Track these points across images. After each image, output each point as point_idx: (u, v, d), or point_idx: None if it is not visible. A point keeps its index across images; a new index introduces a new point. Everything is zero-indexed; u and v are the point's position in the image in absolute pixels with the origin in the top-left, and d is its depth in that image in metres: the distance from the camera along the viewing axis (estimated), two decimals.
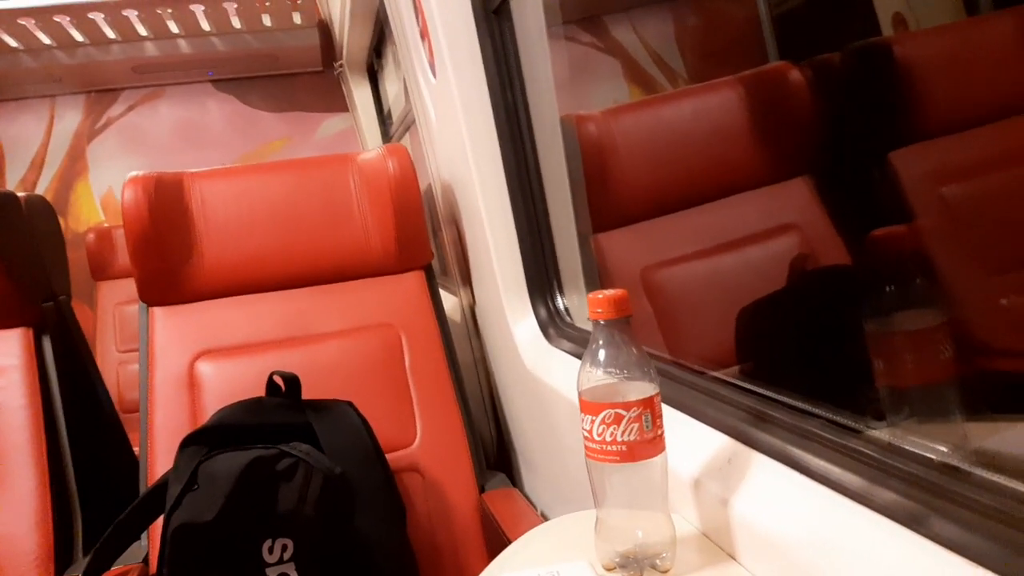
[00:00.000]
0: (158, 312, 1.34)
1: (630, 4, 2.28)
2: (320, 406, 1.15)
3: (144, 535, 1.21)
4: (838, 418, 0.62)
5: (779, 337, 1.07)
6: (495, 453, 1.53)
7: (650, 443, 0.62)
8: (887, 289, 0.72)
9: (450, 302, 1.65)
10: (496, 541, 1.12)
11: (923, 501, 0.49)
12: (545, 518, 1.19)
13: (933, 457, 0.51)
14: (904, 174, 0.92)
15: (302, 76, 3.22)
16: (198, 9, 2.71)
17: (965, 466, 0.48)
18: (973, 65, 0.88)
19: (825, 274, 1.13)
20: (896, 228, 0.80)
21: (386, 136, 3.05)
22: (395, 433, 1.27)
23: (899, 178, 0.92)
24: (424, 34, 1.35)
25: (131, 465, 1.61)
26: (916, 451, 0.52)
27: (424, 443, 1.28)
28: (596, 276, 1.31)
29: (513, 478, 1.40)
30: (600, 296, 0.62)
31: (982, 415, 0.63)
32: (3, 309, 1.31)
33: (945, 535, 0.46)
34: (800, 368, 0.88)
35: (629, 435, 0.61)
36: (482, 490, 1.28)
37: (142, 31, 2.82)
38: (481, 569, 0.72)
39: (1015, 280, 0.80)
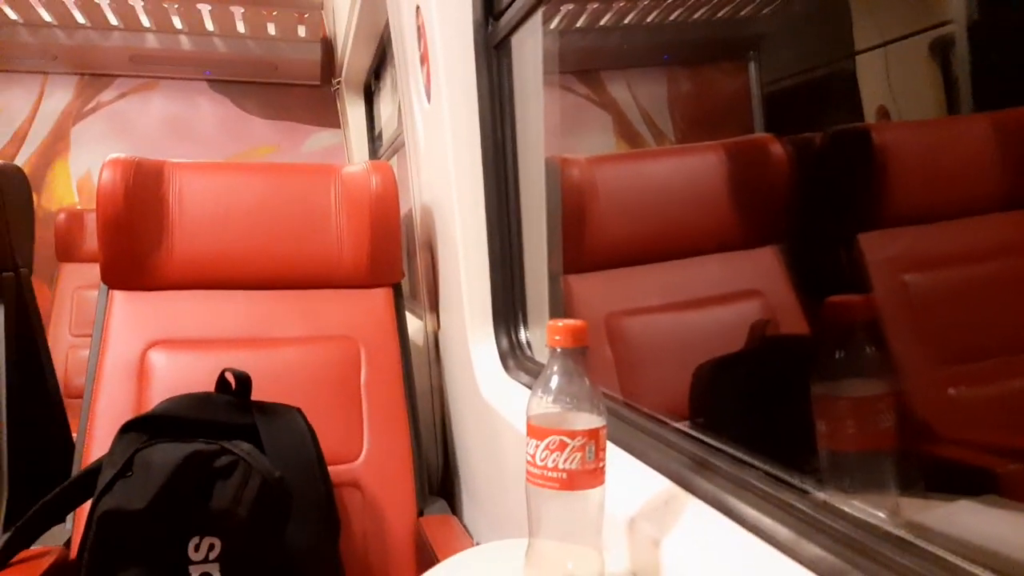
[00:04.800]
0: (118, 296, 1.33)
1: (628, 64, 2.35)
2: (268, 409, 1.14)
3: (69, 519, 1.18)
4: (775, 471, 0.63)
5: (731, 396, 1.09)
6: (439, 480, 1.52)
7: (590, 474, 0.62)
8: (837, 355, 0.74)
9: (414, 325, 1.65)
10: (429, 566, 1.10)
11: (847, 558, 0.50)
12: None
13: (861, 516, 0.52)
14: (871, 256, 0.95)
15: (298, 87, 3.24)
16: (204, 8, 2.73)
17: (890, 528, 0.50)
18: (949, 161, 0.91)
19: (781, 340, 1.15)
20: (853, 297, 0.82)
21: (374, 156, 3.07)
22: (340, 446, 1.26)
23: (865, 259, 0.95)
24: (424, 59, 1.38)
25: (68, 450, 1.57)
26: (846, 509, 0.53)
27: (368, 460, 1.27)
28: (562, 315, 1.32)
29: (454, 506, 1.39)
30: (560, 324, 0.63)
31: (915, 491, 0.65)
32: None
33: None
34: (746, 428, 0.89)
35: (571, 464, 0.62)
36: (420, 514, 1.27)
37: (145, 21, 2.83)
38: None
39: (964, 372, 0.82)
